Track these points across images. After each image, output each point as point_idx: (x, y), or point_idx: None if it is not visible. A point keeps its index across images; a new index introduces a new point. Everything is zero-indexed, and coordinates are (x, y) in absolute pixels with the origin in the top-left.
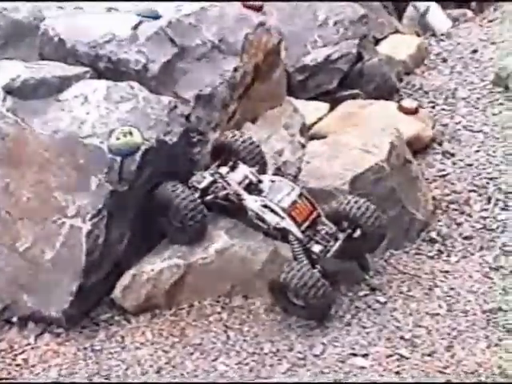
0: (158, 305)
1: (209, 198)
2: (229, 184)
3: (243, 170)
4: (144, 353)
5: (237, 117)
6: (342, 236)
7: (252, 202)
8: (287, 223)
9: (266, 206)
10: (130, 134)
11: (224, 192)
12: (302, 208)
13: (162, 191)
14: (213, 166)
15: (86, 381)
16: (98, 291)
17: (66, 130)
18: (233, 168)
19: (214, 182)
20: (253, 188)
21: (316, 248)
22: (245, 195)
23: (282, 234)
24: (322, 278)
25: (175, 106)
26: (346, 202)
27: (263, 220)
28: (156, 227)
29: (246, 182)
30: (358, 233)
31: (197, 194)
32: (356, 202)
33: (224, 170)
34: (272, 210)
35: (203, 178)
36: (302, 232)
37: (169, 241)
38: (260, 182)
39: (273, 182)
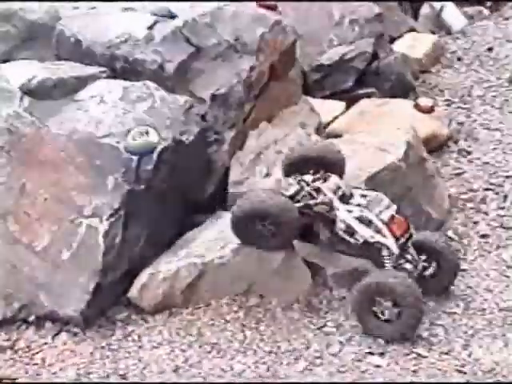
0: (174, 304)
1: (297, 205)
2: (318, 192)
3: (335, 181)
4: (161, 352)
5: (253, 116)
6: (433, 266)
7: (345, 213)
8: (384, 236)
9: (359, 219)
10: (147, 133)
11: (316, 201)
12: (399, 224)
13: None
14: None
15: (103, 380)
16: (114, 290)
17: (82, 130)
18: (324, 177)
19: (301, 189)
20: (345, 200)
21: (408, 266)
22: (338, 204)
23: (369, 251)
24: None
25: (191, 106)
26: (431, 235)
27: (353, 233)
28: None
29: (340, 192)
30: (430, 271)
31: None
32: (440, 237)
33: (308, 177)
34: (367, 224)
35: (289, 185)
36: (399, 248)
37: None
38: (352, 195)
39: (365, 196)
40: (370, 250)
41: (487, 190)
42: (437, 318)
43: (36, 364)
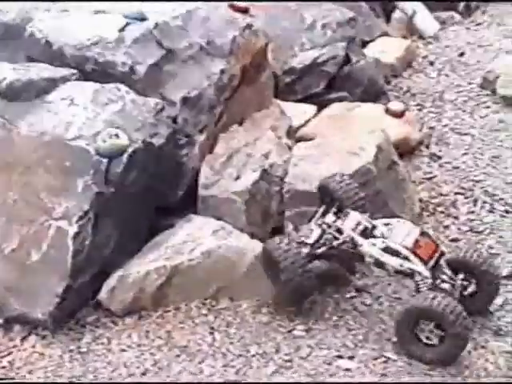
0: (144, 307)
1: (321, 250)
2: (340, 232)
3: (355, 217)
4: (130, 355)
5: (224, 119)
6: (473, 285)
7: (370, 247)
8: (413, 263)
9: (385, 250)
10: (117, 136)
11: (339, 242)
12: (426, 246)
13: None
14: (317, 216)
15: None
16: (84, 293)
17: (52, 132)
18: (344, 215)
19: (323, 232)
20: (368, 233)
21: (445, 285)
22: (360, 240)
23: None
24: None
25: (162, 108)
26: (470, 254)
27: (382, 265)
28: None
29: (360, 227)
30: (470, 290)
31: (306, 250)
32: (479, 257)
33: (330, 218)
34: (393, 253)
35: (310, 231)
36: (430, 270)
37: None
38: (374, 227)
39: (388, 224)
40: (406, 276)
41: (458, 194)
42: None
43: (4, 367)
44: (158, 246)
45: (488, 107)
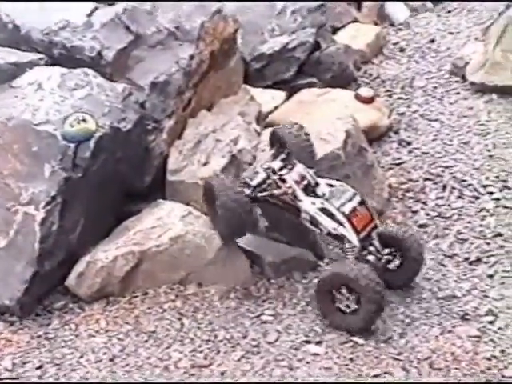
0: (112, 292)
1: (262, 194)
2: (284, 182)
3: (301, 170)
4: (98, 341)
5: (192, 104)
6: (398, 258)
7: (309, 205)
8: (346, 230)
9: (322, 210)
10: (84, 120)
11: (280, 191)
12: (362, 216)
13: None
14: (266, 160)
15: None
16: (52, 279)
17: (19, 116)
18: (290, 167)
19: (268, 178)
20: (310, 190)
21: (371, 258)
22: (301, 196)
23: (335, 241)
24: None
25: (130, 93)
26: (398, 229)
27: (317, 224)
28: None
29: (304, 182)
30: (395, 263)
31: (248, 191)
32: (406, 232)
33: (276, 164)
34: (330, 215)
35: (256, 174)
36: (360, 241)
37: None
38: (317, 184)
39: (332, 186)
40: (335, 241)
41: (426, 180)
42: None
43: None
44: (126, 231)
45: (457, 94)
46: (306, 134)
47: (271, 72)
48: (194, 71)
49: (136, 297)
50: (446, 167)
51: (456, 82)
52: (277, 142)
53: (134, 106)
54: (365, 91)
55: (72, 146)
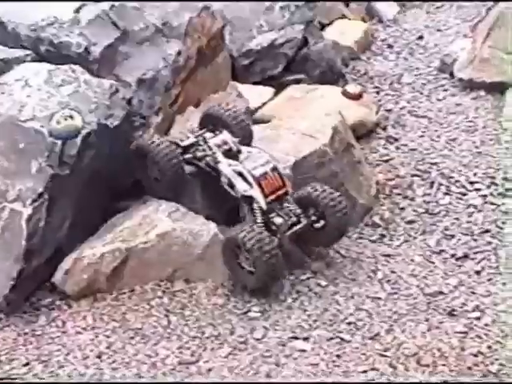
0: (99, 289)
1: (187, 156)
2: (210, 148)
3: (224, 136)
4: (85, 338)
5: (180, 101)
6: (305, 220)
7: (226, 166)
8: (254, 191)
9: (239, 173)
10: (71, 117)
11: (202, 153)
12: (271, 181)
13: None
14: (198, 130)
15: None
16: (38, 276)
17: (5, 113)
18: (217, 134)
19: (197, 143)
20: (231, 155)
21: (277, 220)
22: (220, 157)
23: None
24: (277, 248)
25: (117, 90)
26: (315, 189)
27: (233, 186)
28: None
29: (225, 147)
30: (320, 223)
31: (178, 150)
32: (329, 193)
33: (209, 135)
34: (244, 178)
35: (187, 138)
36: (267, 204)
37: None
38: (239, 152)
39: (250, 152)
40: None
41: (414, 176)
42: (361, 303)
43: None
44: (113, 228)
45: (445, 90)
46: (242, 112)
47: (259, 68)
48: (182, 67)
49: (123, 293)
50: (434, 164)
51: (444, 78)
52: (211, 122)
53: (121, 102)
54: (352, 87)
55: (59, 142)
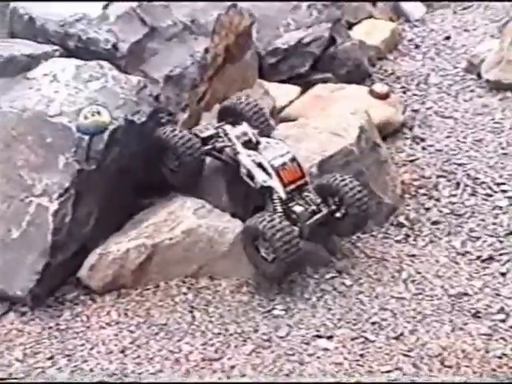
0: (124, 285)
1: (207, 147)
2: (229, 139)
3: (244, 128)
4: (109, 332)
5: (207, 98)
6: (325, 209)
7: (245, 157)
8: (273, 181)
9: (258, 164)
10: (98, 113)
11: (222, 144)
12: (291, 171)
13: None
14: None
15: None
16: (64, 270)
17: (33, 108)
18: (236, 126)
19: (217, 135)
20: (250, 146)
21: (297, 209)
22: (239, 148)
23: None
24: (298, 237)
25: (144, 86)
26: (339, 179)
27: (252, 177)
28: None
29: (245, 138)
30: (341, 212)
31: (197, 141)
32: (349, 182)
33: (228, 126)
34: (263, 169)
35: (206, 130)
36: (287, 193)
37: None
38: (258, 142)
39: (268, 143)
40: (268, 194)
41: (440, 177)
42: (385, 303)
43: None
44: (139, 223)
45: (472, 91)
46: (258, 104)
47: (286, 67)
48: (209, 65)
49: (148, 289)
50: (460, 164)
51: (471, 79)
52: (229, 115)
53: (148, 98)
54: (379, 87)
55: (86, 138)
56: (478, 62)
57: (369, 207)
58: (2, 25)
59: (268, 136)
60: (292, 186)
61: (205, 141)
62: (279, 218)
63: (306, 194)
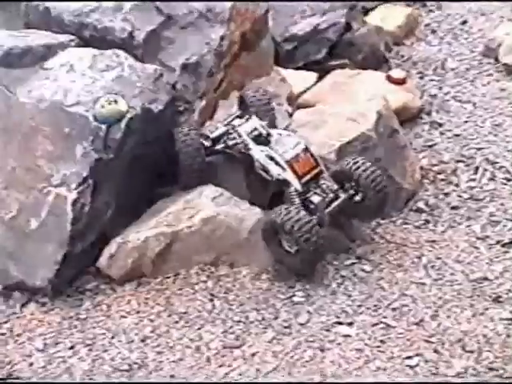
0: (143, 273)
1: (219, 146)
2: (240, 135)
3: (254, 122)
4: (129, 322)
5: (223, 86)
6: (343, 195)
7: (258, 152)
8: (288, 174)
9: (271, 158)
10: (115, 102)
11: (233, 141)
12: (304, 162)
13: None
14: (228, 119)
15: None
16: (83, 260)
17: (51, 98)
18: (246, 120)
19: (227, 132)
20: (262, 140)
21: (315, 199)
22: (251, 145)
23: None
24: (317, 226)
25: (161, 75)
26: (352, 163)
27: (267, 171)
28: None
29: (256, 133)
30: (359, 196)
31: (207, 143)
32: (362, 164)
33: (237, 122)
34: (276, 162)
35: (216, 129)
36: (303, 185)
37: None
38: (269, 135)
39: (280, 135)
40: (283, 185)
41: (458, 161)
42: (406, 289)
43: (3, 334)
44: (158, 212)
45: (490, 75)
46: (268, 98)
47: (302, 53)
48: (225, 52)
49: (167, 278)
50: (478, 149)
51: (488, 63)
52: (243, 104)
53: (165, 87)
54: (396, 72)
55: (103, 127)
56: (495, 46)
57: (385, 186)
58: (17, 16)
59: (274, 126)
60: (307, 177)
61: (216, 140)
62: (296, 208)
63: (322, 182)
